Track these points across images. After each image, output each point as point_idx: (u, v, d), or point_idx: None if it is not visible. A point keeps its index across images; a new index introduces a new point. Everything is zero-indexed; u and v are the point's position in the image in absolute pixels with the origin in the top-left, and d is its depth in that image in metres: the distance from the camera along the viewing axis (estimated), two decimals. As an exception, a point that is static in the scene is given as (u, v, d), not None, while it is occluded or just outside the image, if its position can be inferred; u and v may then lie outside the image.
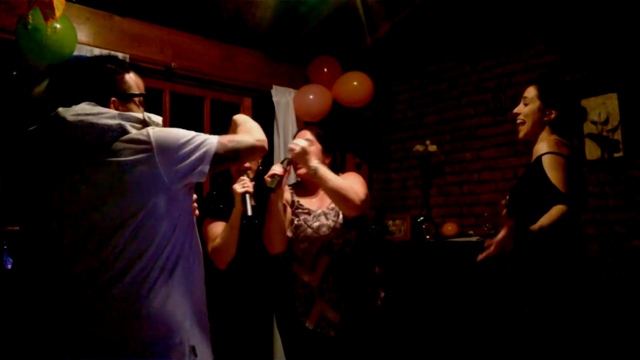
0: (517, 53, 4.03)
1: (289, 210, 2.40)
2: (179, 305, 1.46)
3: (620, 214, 3.46)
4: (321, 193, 2.44)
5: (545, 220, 2.05)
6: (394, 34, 4.07)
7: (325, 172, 2.23)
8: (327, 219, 2.37)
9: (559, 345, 2.14)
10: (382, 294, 2.50)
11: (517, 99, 3.89)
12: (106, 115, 1.42)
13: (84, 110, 1.43)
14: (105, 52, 3.04)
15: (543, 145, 2.25)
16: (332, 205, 2.36)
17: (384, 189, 4.82)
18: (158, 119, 1.57)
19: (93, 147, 1.42)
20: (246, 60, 3.88)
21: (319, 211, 2.39)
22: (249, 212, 2.05)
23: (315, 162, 2.24)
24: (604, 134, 3.55)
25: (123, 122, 1.44)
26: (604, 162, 3.54)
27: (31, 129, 1.46)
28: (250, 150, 1.61)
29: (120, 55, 3.09)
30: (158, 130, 1.47)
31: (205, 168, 1.48)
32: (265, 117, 3.94)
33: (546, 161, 2.17)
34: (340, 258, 2.35)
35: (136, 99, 1.59)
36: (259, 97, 3.98)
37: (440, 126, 4.50)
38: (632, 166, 3.44)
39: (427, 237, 4.23)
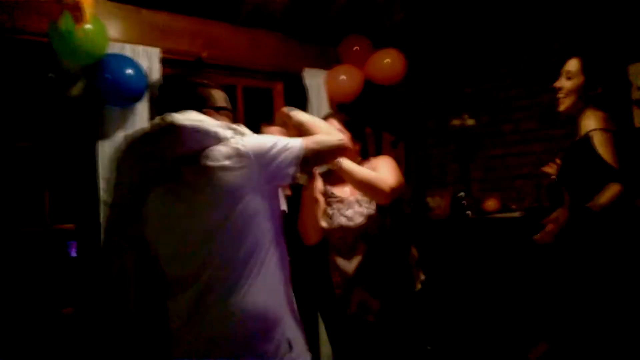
0: (556, 23, 3.86)
1: (321, 199, 2.40)
2: (274, 300, 1.55)
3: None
4: None
5: (603, 198, 2.03)
6: (425, 8, 3.96)
7: (349, 165, 2.20)
8: (360, 206, 2.36)
9: (615, 324, 2.11)
10: (423, 277, 2.49)
11: (554, 65, 3.85)
12: (210, 123, 1.55)
13: (194, 117, 1.54)
14: (136, 47, 3.06)
15: (590, 122, 2.18)
16: None
17: (422, 165, 4.76)
18: (245, 129, 1.67)
19: (194, 152, 1.53)
20: (275, 45, 3.84)
21: (352, 199, 2.38)
22: (283, 207, 2.06)
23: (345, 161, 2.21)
24: (653, 100, 3.39)
25: (221, 130, 1.56)
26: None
27: (147, 130, 1.58)
28: (334, 151, 1.73)
29: (151, 49, 3.12)
30: (249, 138, 1.59)
31: (292, 170, 1.58)
32: (298, 101, 3.91)
33: (596, 138, 2.11)
34: (376, 245, 2.35)
35: (224, 112, 1.73)
36: (290, 80, 3.94)
37: (478, 98, 4.38)
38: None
39: (468, 212, 4.17)
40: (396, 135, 4.55)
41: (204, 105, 1.66)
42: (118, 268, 1.70)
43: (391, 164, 2.39)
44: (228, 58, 3.58)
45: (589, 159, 2.12)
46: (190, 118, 1.53)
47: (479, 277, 3.72)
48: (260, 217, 1.55)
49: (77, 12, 2.32)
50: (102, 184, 2.85)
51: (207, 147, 1.53)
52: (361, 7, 3.73)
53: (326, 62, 4.02)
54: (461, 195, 4.22)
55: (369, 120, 4.38)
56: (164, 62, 3.20)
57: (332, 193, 2.42)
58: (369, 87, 4.03)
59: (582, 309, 2.22)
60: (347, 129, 2.42)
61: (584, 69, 2.28)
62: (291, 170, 1.58)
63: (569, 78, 2.31)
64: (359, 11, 3.81)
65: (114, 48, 2.94)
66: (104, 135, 2.89)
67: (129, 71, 2.83)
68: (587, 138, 2.14)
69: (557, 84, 2.35)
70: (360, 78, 3.93)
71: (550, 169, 2.60)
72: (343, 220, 2.35)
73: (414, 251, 2.53)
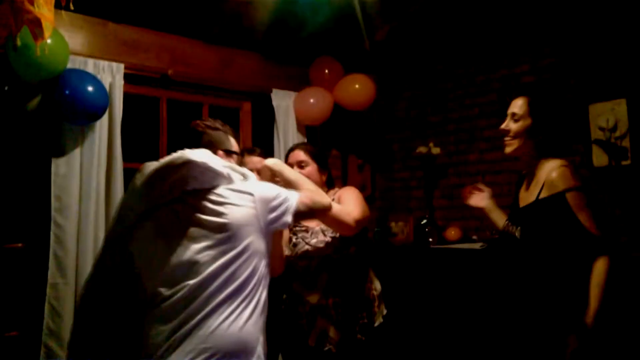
0: (524, 54, 3.92)
1: (286, 230, 2.37)
2: (256, 328, 1.67)
3: (626, 223, 3.39)
4: None
5: (597, 288, 1.97)
6: (397, 34, 3.97)
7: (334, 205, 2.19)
8: (324, 235, 2.34)
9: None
10: (384, 311, 2.47)
11: None
12: (221, 164, 1.72)
13: (207, 156, 1.70)
14: (99, 62, 2.98)
15: (557, 177, 2.03)
16: None
17: (387, 189, 4.76)
18: (251, 173, 1.87)
19: (205, 186, 1.69)
20: (245, 64, 3.79)
21: (317, 228, 2.38)
22: None
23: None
24: (612, 140, 3.46)
25: (231, 172, 1.74)
26: (611, 169, 3.46)
27: (164, 163, 1.67)
28: (323, 212, 1.99)
29: (115, 64, 3.03)
30: (256, 184, 1.81)
31: (288, 219, 1.77)
32: (265, 121, 3.87)
33: (573, 201, 2.00)
34: (339, 274, 2.33)
35: (234, 156, 1.94)
36: (258, 101, 3.90)
37: (444, 126, 4.42)
38: (640, 175, 3.36)
39: (430, 240, 4.18)
40: (363, 158, 4.54)
41: (218, 147, 1.87)
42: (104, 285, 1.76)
43: (356, 195, 2.38)
44: (196, 75, 3.52)
45: (564, 223, 2.01)
46: (204, 156, 1.67)
47: (440, 308, 3.72)
48: (258, 256, 1.70)
49: (36, 28, 2.22)
50: (54, 203, 2.75)
51: (217, 185, 1.69)
52: (333, 30, 3.71)
53: (296, 83, 3.99)
54: (424, 223, 4.24)
55: (336, 143, 4.37)
56: (129, 77, 3.12)
57: (298, 223, 2.39)
58: (338, 110, 4.02)
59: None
60: (314, 160, 2.42)
61: (531, 111, 2.13)
62: (288, 219, 1.77)
63: (515, 120, 2.16)
64: (331, 34, 3.79)
65: (75, 62, 2.85)
66: (59, 152, 2.79)
67: (89, 88, 2.74)
68: (562, 199, 2.01)
69: (504, 126, 2.20)
70: (330, 102, 3.91)
71: (479, 201, 2.52)
72: (307, 248, 2.33)
73: (377, 284, 2.51)
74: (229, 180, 1.72)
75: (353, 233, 2.21)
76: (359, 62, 4.15)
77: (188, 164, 1.64)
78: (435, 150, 4.22)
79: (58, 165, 2.78)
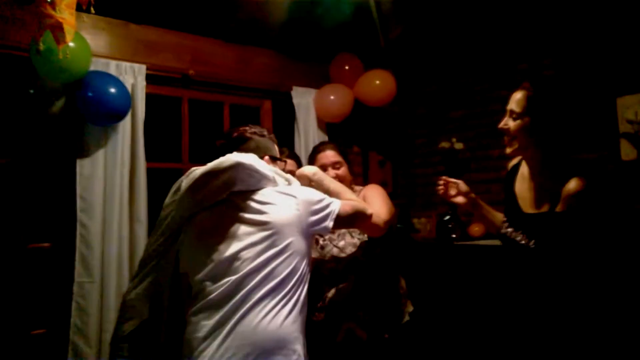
0: (547, 46, 3.84)
1: None
2: (297, 323, 1.73)
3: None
4: None
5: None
6: (415, 30, 3.93)
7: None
8: (352, 237, 2.35)
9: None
10: (411, 308, 2.46)
11: None
12: (267, 168, 1.85)
13: (254, 160, 1.81)
14: (121, 63, 3.01)
15: (575, 190, 1.82)
16: None
17: (409, 185, 4.73)
18: (293, 178, 2.00)
19: (251, 188, 1.79)
20: (264, 62, 3.80)
21: (343, 230, 2.37)
22: None
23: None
24: (640, 133, 3.37)
25: (276, 176, 1.87)
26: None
27: (213, 166, 1.76)
28: (363, 220, 2.03)
29: (137, 65, 3.07)
30: (300, 188, 1.93)
31: (330, 224, 1.85)
32: (286, 119, 3.87)
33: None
34: (366, 275, 2.32)
35: (279, 162, 2.07)
36: (278, 99, 3.90)
37: (466, 122, 4.36)
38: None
39: (453, 235, 4.14)
40: (383, 154, 4.51)
41: (265, 153, 1.98)
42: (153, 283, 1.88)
43: (381, 194, 2.38)
44: (216, 75, 3.53)
45: (572, 236, 1.86)
46: (251, 160, 1.78)
47: (463, 305, 3.68)
48: (299, 255, 1.76)
49: (58, 32, 2.26)
50: (79, 203, 2.80)
51: (262, 187, 1.80)
52: (353, 26, 3.69)
53: (316, 80, 3.98)
54: (447, 219, 4.19)
55: (357, 140, 4.35)
56: (150, 78, 3.15)
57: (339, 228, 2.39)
58: (358, 106, 4.00)
59: (572, 338, 1.98)
60: (345, 160, 2.45)
61: (529, 107, 1.86)
62: (329, 224, 1.84)
63: (514, 118, 1.92)
64: (351, 30, 3.77)
65: (97, 64, 2.89)
66: (83, 153, 2.83)
67: (112, 89, 2.77)
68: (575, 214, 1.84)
69: (502, 124, 1.97)
70: (351, 98, 3.90)
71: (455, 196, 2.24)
72: (335, 251, 2.33)
73: (403, 282, 2.50)
74: (274, 183, 1.83)
75: (382, 234, 2.21)
76: (379, 58, 4.12)
77: (237, 166, 1.74)
78: (458, 146, 4.17)
79: (82, 166, 2.82)
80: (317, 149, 2.55)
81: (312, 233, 1.84)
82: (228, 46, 3.62)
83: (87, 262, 2.78)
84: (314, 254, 2.33)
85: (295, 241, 1.75)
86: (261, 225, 1.73)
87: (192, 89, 3.48)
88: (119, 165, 2.91)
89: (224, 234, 1.73)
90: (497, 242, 3.75)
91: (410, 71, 4.61)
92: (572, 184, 1.84)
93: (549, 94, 1.92)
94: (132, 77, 3.04)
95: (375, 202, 2.27)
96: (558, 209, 1.88)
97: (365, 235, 2.33)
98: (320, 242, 2.38)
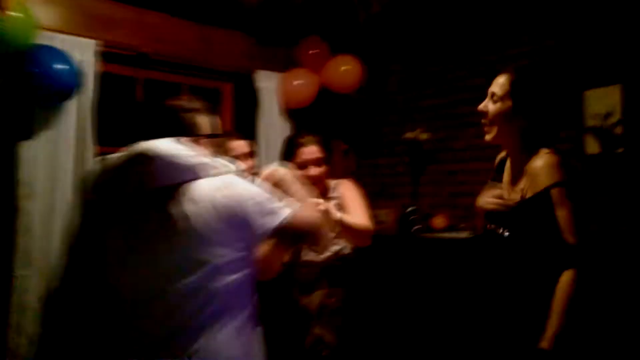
0: (518, 37, 3.79)
1: None
2: (244, 339, 1.47)
3: (618, 212, 3.32)
4: None
5: (559, 305, 1.68)
6: (387, 12, 3.81)
7: (348, 220, 2.10)
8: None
9: None
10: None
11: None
12: (190, 155, 1.44)
13: (172, 147, 1.42)
14: (69, 37, 2.78)
15: (541, 169, 1.75)
16: None
17: (373, 175, 4.63)
18: (232, 166, 1.56)
19: (172, 185, 1.42)
20: (227, 43, 3.60)
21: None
22: None
23: (338, 214, 2.08)
24: (605, 128, 3.37)
25: (204, 164, 1.45)
26: (604, 157, 3.37)
27: (113, 156, 1.46)
28: (315, 240, 1.66)
29: (87, 41, 2.84)
30: (236, 182, 1.49)
31: (266, 236, 1.47)
32: (248, 104, 3.70)
33: (555, 197, 1.72)
34: (339, 279, 2.23)
35: (211, 140, 1.61)
36: (241, 82, 3.72)
37: (435, 111, 4.29)
38: (634, 163, 3.27)
39: (416, 227, 4.08)
40: (348, 143, 4.40)
41: (188, 133, 1.54)
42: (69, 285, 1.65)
43: (358, 195, 2.28)
44: (175, 54, 3.33)
45: (543, 222, 1.75)
46: (170, 148, 1.41)
47: (426, 299, 3.63)
48: (238, 263, 1.45)
49: (-3, -1, 2.04)
50: (20, 190, 2.57)
51: (190, 180, 1.43)
52: (321, 7, 3.54)
53: (281, 64, 3.82)
54: (410, 210, 4.13)
55: (321, 127, 4.21)
56: (104, 55, 2.92)
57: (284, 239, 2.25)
58: (323, 91, 3.86)
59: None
60: (324, 151, 2.30)
61: (513, 90, 1.79)
62: (266, 236, 1.47)
63: (494, 101, 1.84)
64: (318, 12, 3.62)
65: (43, 38, 2.65)
66: (26, 135, 2.60)
67: (59, 65, 2.55)
68: (546, 196, 1.73)
69: (481, 106, 1.89)
70: (316, 84, 3.76)
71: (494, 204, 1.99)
72: (311, 256, 2.19)
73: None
74: (205, 173, 1.45)
75: (369, 244, 2.14)
76: (347, 43, 3.98)
77: (149, 158, 1.39)
78: (423, 136, 4.09)
79: (25, 149, 2.59)
80: (298, 142, 2.29)
81: (256, 238, 1.49)
82: (189, 25, 3.41)
83: (28, 255, 2.56)
84: (287, 259, 2.18)
85: (229, 255, 1.41)
86: (186, 230, 1.39)
87: (149, 69, 3.27)
88: (65, 149, 2.68)
89: (150, 241, 1.41)
90: (460, 235, 3.73)
91: (379, 57, 4.49)
92: (538, 161, 1.76)
93: (533, 78, 1.88)
94: (81, 53, 2.80)
95: (356, 207, 2.16)
96: (527, 194, 1.80)
97: (345, 244, 2.21)
98: None
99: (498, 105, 1.83)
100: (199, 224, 1.38)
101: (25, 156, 2.59)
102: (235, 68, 3.64)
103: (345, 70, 3.77)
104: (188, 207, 1.39)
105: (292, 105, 3.78)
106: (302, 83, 3.71)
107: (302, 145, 2.26)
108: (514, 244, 1.86)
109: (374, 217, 2.24)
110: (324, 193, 2.26)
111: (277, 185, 1.75)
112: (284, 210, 1.49)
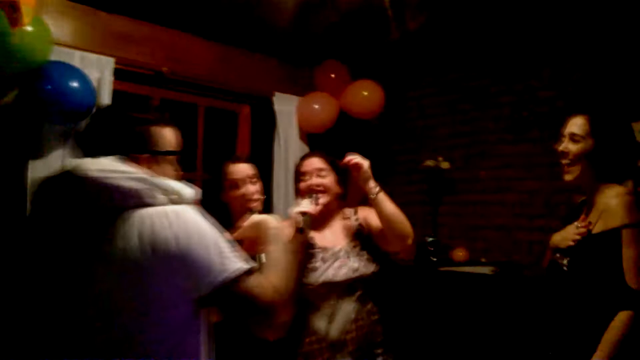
0: (541, 66, 3.68)
1: None
2: None
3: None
4: (333, 225, 2.18)
5: (608, 345, 1.70)
6: (408, 40, 3.71)
7: (385, 195, 2.04)
8: (348, 258, 2.06)
9: None
10: None
11: (540, 115, 3.67)
12: (132, 176, 1.20)
13: (110, 166, 1.20)
14: (87, 54, 2.68)
15: (617, 207, 1.78)
16: (353, 242, 2.10)
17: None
18: (188, 192, 1.29)
19: (111, 214, 1.19)
20: (245, 63, 3.51)
21: (338, 249, 2.09)
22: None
23: (374, 184, 2.04)
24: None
25: (149, 189, 1.21)
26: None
27: (46, 179, 1.25)
28: (260, 319, 1.25)
29: (104, 58, 2.74)
30: (186, 215, 1.22)
31: (204, 291, 1.18)
32: (265, 127, 3.59)
33: (625, 237, 1.75)
34: (363, 304, 2.06)
35: (171, 159, 1.36)
36: (258, 104, 3.61)
37: (454, 139, 4.16)
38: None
39: (434, 259, 3.93)
40: (366, 170, 4.27)
41: (141, 149, 1.30)
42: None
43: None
44: (192, 74, 3.23)
45: (607, 260, 1.77)
46: (105, 169, 1.19)
47: (445, 334, 3.46)
48: (167, 319, 1.20)
49: (14, 14, 1.94)
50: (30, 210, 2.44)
51: (130, 206, 1.19)
52: (342, 31, 3.44)
53: (300, 87, 3.72)
54: (429, 241, 3.98)
55: (339, 152, 4.09)
56: (119, 73, 2.82)
57: (312, 240, 2.09)
58: (342, 116, 3.75)
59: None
60: (333, 170, 2.18)
61: (593, 130, 1.86)
62: (203, 291, 1.18)
63: (575, 141, 1.89)
64: (340, 35, 3.51)
65: (59, 54, 2.55)
66: (38, 154, 2.48)
67: (74, 83, 2.44)
68: (617, 235, 1.76)
69: (561, 147, 1.93)
70: (336, 109, 3.65)
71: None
72: (329, 274, 2.02)
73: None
74: (150, 201, 1.21)
75: (409, 247, 2.11)
76: (367, 67, 3.89)
77: (76, 180, 1.18)
78: (445, 165, 3.96)
79: (35, 169, 2.47)
80: (302, 157, 2.31)
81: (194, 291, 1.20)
82: (207, 44, 3.32)
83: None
84: (304, 279, 2.03)
85: (164, 298, 1.18)
86: (122, 264, 1.17)
87: (164, 88, 3.16)
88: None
89: (84, 272, 1.20)
90: (483, 269, 3.57)
91: (399, 82, 4.39)
92: (614, 200, 1.82)
93: (611, 117, 1.97)
94: (98, 70, 2.71)
95: (396, 212, 2.05)
96: (596, 229, 1.86)
97: (366, 257, 2.09)
98: (310, 264, 2.08)
99: (581, 145, 1.88)
100: (130, 262, 1.16)
101: (35, 176, 2.46)
102: (253, 90, 3.54)
103: (365, 95, 3.67)
104: (120, 241, 1.17)
105: (310, 130, 3.67)
106: (321, 107, 3.60)
107: (305, 158, 2.25)
108: (574, 275, 1.88)
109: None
110: (332, 213, 2.19)
111: (258, 236, 1.59)
112: (236, 265, 1.20)
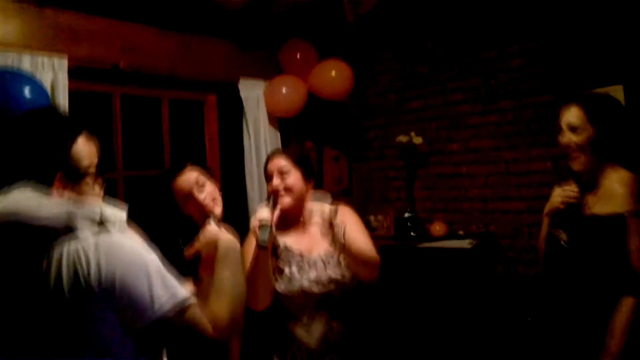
0: (511, 35, 3.62)
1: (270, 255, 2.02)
2: None
3: None
4: (309, 228, 2.08)
5: (618, 330, 1.75)
6: (375, 13, 3.61)
7: (356, 244, 1.92)
8: (325, 267, 2.00)
9: None
10: None
11: (508, 85, 3.64)
12: (48, 208, 1.08)
13: (20, 199, 1.07)
14: (37, 57, 2.53)
15: (624, 193, 1.83)
16: (330, 249, 1.99)
17: (364, 180, 4.46)
18: (118, 215, 1.17)
19: (27, 253, 1.08)
20: (208, 51, 3.37)
21: (315, 256, 2.01)
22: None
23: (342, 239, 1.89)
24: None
25: (71, 219, 1.08)
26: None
27: None
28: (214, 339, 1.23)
29: (56, 59, 2.59)
30: (107, 244, 1.10)
31: (140, 325, 1.11)
32: (233, 115, 3.48)
33: (631, 224, 1.79)
34: (341, 312, 2.02)
35: (89, 178, 1.20)
36: (224, 92, 3.49)
37: (425, 113, 4.11)
38: None
39: (413, 234, 3.94)
40: (338, 148, 4.22)
41: (57, 167, 1.14)
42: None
43: (359, 222, 2.08)
44: (151, 66, 3.09)
45: (611, 243, 1.82)
46: (6, 204, 1.06)
47: (426, 312, 3.49)
48: (114, 348, 1.13)
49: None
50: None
51: (48, 242, 1.09)
52: (306, 9, 3.31)
53: (265, 70, 3.60)
54: (408, 217, 3.97)
55: (310, 135, 4.02)
56: (74, 72, 2.68)
57: (288, 246, 2.02)
58: (312, 98, 3.66)
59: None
60: (297, 166, 2.07)
61: (590, 117, 1.89)
62: (140, 325, 1.12)
63: (575, 131, 1.91)
64: (304, 14, 3.39)
65: (9, 58, 2.42)
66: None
67: (26, 91, 2.29)
68: (622, 221, 1.80)
69: (563, 140, 1.95)
70: (304, 91, 3.55)
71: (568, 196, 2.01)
72: (305, 284, 1.97)
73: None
74: (67, 233, 1.09)
75: (375, 276, 1.97)
76: (333, 45, 3.78)
77: None
78: (417, 140, 3.92)
79: None
80: (267, 158, 2.17)
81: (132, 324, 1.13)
82: (165, 33, 3.17)
83: None
84: (279, 287, 1.99)
85: (98, 335, 1.11)
86: (43, 305, 1.08)
87: (124, 84, 3.02)
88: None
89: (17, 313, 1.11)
90: (462, 244, 3.58)
91: (366, 59, 4.29)
92: (621, 187, 1.85)
93: (604, 101, 1.99)
94: (52, 72, 2.58)
95: (359, 235, 1.97)
96: (602, 211, 1.88)
97: (344, 266, 2.02)
98: (286, 271, 2.02)
99: (582, 134, 1.90)
100: (59, 299, 1.07)
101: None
102: (218, 77, 3.41)
103: (334, 75, 3.57)
104: (46, 283, 1.07)
105: (280, 114, 3.57)
106: (289, 91, 3.50)
107: (269, 160, 2.12)
108: (574, 252, 1.91)
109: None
110: (302, 211, 2.10)
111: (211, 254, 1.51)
112: (173, 299, 1.13)
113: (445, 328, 3.35)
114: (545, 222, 2.07)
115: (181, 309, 1.15)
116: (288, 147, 3.61)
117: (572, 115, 1.92)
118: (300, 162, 2.09)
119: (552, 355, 1.99)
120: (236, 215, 2.05)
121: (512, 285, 3.49)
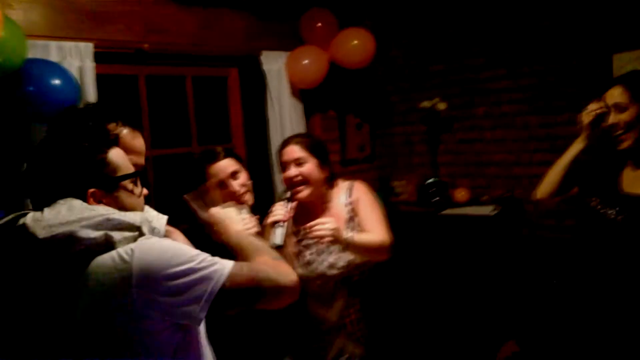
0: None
1: (291, 241, 2.11)
2: None
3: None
4: (326, 212, 2.14)
5: None
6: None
7: (360, 239, 1.99)
8: (344, 251, 2.09)
9: None
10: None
11: (532, 49, 3.55)
12: (87, 224, 1.07)
13: (58, 218, 1.07)
14: (63, 44, 2.59)
15: None
16: (347, 229, 2.07)
17: (387, 145, 4.48)
18: (159, 220, 1.19)
19: (69, 268, 1.09)
20: (228, 25, 3.36)
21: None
22: (277, 241, 1.85)
23: (348, 233, 1.98)
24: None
25: (110, 233, 1.08)
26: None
27: None
28: (271, 298, 1.21)
29: (82, 45, 2.64)
30: (147, 247, 1.10)
31: (201, 314, 1.11)
32: (256, 88, 3.51)
33: None
34: (359, 289, 2.12)
35: (126, 183, 1.22)
36: (246, 66, 3.51)
37: (447, 77, 4.07)
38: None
39: (437, 199, 3.97)
40: (360, 117, 4.22)
41: (91, 183, 1.15)
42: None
43: (373, 203, 2.13)
44: (174, 45, 3.11)
45: None
46: (49, 222, 1.07)
47: (451, 276, 3.57)
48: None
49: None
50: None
51: (89, 257, 1.09)
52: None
53: (287, 41, 3.58)
54: (431, 182, 3.99)
55: (333, 103, 4.03)
56: (99, 56, 2.73)
57: (306, 233, 2.08)
58: (333, 67, 3.65)
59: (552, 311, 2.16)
60: (313, 155, 2.11)
61: (634, 95, 1.92)
62: (201, 314, 1.11)
63: (621, 110, 1.94)
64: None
65: (36, 48, 2.47)
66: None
67: (55, 80, 2.36)
68: None
69: (611, 120, 1.97)
70: (326, 61, 3.54)
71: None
72: (324, 268, 2.07)
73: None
74: (107, 246, 1.10)
75: (387, 258, 2.05)
76: (354, 12, 3.73)
77: (34, 244, 1.06)
78: (441, 106, 3.90)
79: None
80: (281, 145, 2.19)
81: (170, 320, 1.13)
82: (185, 10, 3.16)
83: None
84: (299, 271, 2.07)
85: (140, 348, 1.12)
86: (97, 332, 1.09)
87: (148, 64, 3.07)
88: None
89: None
90: (485, 210, 3.61)
91: (386, 22, 4.23)
92: None
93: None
94: (79, 59, 2.62)
95: (372, 218, 2.04)
96: None
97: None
98: (307, 256, 2.11)
99: (629, 111, 1.92)
100: (102, 312, 1.08)
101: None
102: (240, 51, 3.42)
103: (356, 44, 3.54)
104: (84, 298, 1.09)
105: (302, 85, 3.57)
106: (310, 62, 3.48)
107: (283, 146, 2.15)
108: (629, 229, 1.90)
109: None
110: (322, 198, 2.15)
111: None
112: (222, 268, 1.14)
113: (467, 294, 3.43)
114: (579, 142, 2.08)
115: (229, 275, 1.14)
116: (309, 120, 3.64)
117: (617, 95, 1.94)
118: (315, 150, 2.12)
119: (585, 323, 2.04)
120: (261, 186, 2.09)
121: (536, 250, 3.52)
